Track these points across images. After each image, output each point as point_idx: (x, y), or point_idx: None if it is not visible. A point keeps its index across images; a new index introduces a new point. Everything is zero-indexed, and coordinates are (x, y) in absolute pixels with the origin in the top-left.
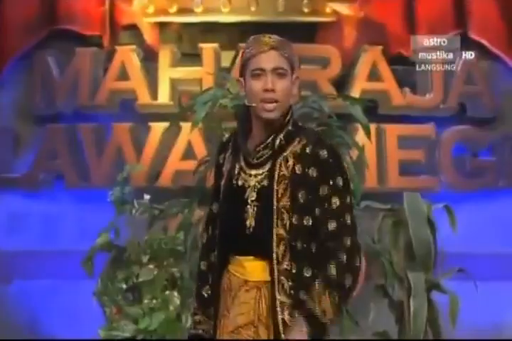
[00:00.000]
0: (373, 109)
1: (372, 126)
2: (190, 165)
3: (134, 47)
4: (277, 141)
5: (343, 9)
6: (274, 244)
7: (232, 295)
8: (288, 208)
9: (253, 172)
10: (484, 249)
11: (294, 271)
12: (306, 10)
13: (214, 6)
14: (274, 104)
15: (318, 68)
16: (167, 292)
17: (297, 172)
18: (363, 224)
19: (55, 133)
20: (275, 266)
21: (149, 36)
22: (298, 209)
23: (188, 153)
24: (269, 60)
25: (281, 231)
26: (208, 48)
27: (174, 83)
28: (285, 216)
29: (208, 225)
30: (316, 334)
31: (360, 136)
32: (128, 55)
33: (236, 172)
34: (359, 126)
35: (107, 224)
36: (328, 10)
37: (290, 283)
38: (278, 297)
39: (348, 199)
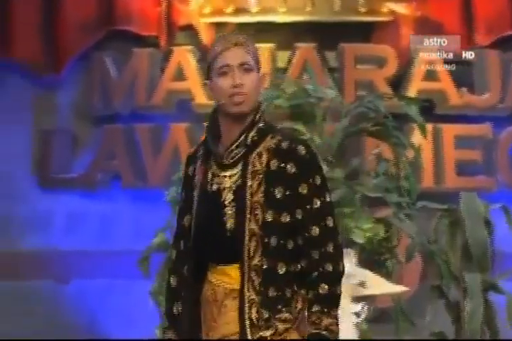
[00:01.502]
0: (430, 109)
1: (429, 126)
2: None
3: (190, 47)
4: (249, 138)
5: (400, 8)
6: (246, 239)
7: (218, 305)
8: (262, 204)
9: (227, 173)
10: None
11: (264, 267)
12: (362, 9)
13: (270, 6)
14: (243, 96)
15: (374, 68)
16: None
17: (272, 167)
18: (419, 224)
19: (112, 133)
20: (245, 262)
21: (205, 36)
22: (274, 205)
23: None
24: (234, 56)
25: (253, 227)
26: (263, 48)
27: None
28: (258, 211)
29: (179, 239)
30: None
31: (417, 136)
32: (184, 56)
33: (209, 179)
34: (415, 126)
35: (163, 223)
36: (384, 9)
37: (260, 280)
38: (247, 294)
39: (328, 198)
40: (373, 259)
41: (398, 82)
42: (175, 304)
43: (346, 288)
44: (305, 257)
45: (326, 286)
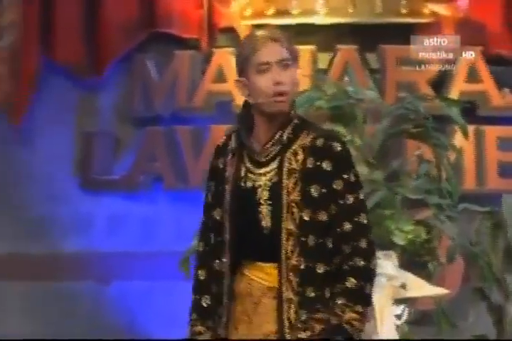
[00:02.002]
0: (472, 111)
1: (471, 128)
2: None
3: (231, 49)
4: (285, 136)
5: (442, 10)
6: (284, 238)
7: (253, 301)
8: (298, 202)
9: (262, 170)
10: None
11: (302, 267)
12: (403, 11)
13: (311, 7)
14: (286, 97)
15: (416, 69)
16: None
17: (309, 165)
18: (460, 226)
19: (153, 135)
20: (283, 262)
21: None
22: (311, 203)
23: None
24: (272, 52)
25: (291, 226)
26: (304, 50)
27: None
28: (295, 210)
29: (208, 232)
30: None
31: (459, 138)
32: (225, 58)
33: (242, 174)
34: (457, 127)
35: None
36: (426, 10)
37: (298, 280)
38: (285, 293)
39: (361, 196)
40: (414, 261)
41: (440, 84)
42: (203, 297)
43: (388, 290)
44: (337, 253)
45: (354, 280)
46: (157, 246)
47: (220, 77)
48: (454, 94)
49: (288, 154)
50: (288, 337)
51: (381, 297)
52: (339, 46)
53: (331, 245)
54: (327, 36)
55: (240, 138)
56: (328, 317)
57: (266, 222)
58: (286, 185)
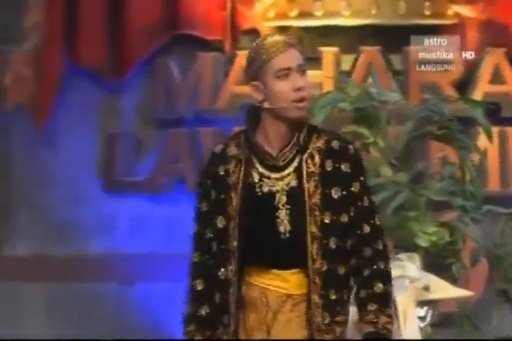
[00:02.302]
0: (496, 112)
1: (495, 129)
2: None
3: None
4: (301, 139)
5: (466, 11)
6: (309, 242)
7: (273, 311)
8: (319, 205)
9: (278, 175)
10: None
11: (324, 270)
12: (427, 12)
13: (334, 9)
14: (306, 102)
15: (439, 71)
16: None
17: (328, 168)
18: (484, 228)
19: (176, 137)
20: (310, 265)
21: None
22: (331, 206)
23: None
24: (292, 58)
25: (314, 229)
26: (327, 52)
27: None
28: (317, 213)
29: (205, 242)
30: None
31: (482, 140)
32: None
33: (256, 180)
34: (481, 129)
35: None
36: (449, 12)
37: (321, 283)
38: (313, 297)
39: (373, 197)
40: (438, 263)
41: (464, 85)
42: (202, 307)
43: (411, 292)
44: (356, 255)
45: (381, 285)
46: (180, 247)
47: (243, 79)
48: (477, 95)
49: (305, 157)
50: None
51: (404, 299)
52: (363, 48)
53: (348, 246)
54: (350, 38)
55: (247, 143)
56: (346, 320)
57: (284, 227)
58: (307, 188)
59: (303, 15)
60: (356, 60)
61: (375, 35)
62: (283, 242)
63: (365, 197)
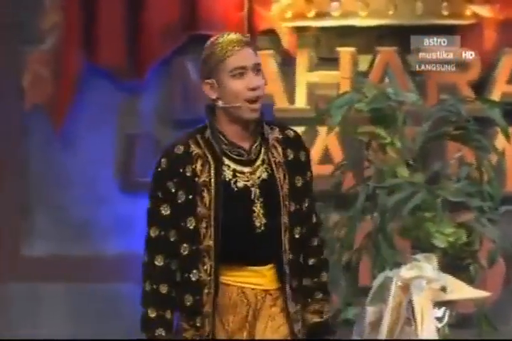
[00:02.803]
0: None
1: None
2: (326, 169)
3: (271, 51)
4: (265, 131)
5: (484, 11)
6: (282, 232)
7: (256, 308)
8: (288, 195)
9: (250, 169)
10: None
11: (291, 259)
12: (445, 13)
13: (352, 9)
14: (259, 104)
15: (457, 71)
16: None
17: (290, 157)
18: (502, 229)
19: None
20: (283, 257)
21: (286, 41)
22: (296, 194)
23: (325, 157)
24: (247, 57)
25: (286, 220)
26: (345, 52)
27: (311, 87)
28: (287, 203)
29: (169, 245)
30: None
31: (500, 140)
32: (265, 60)
33: (230, 176)
34: (498, 129)
35: None
36: (468, 12)
37: (289, 273)
38: (287, 289)
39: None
40: (455, 264)
41: (481, 85)
42: (167, 311)
43: (428, 293)
44: (305, 243)
45: (326, 274)
46: None
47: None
48: (495, 95)
49: (270, 149)
50: (295, 333)
51: (421, 299)
52: (379, 48)
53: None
54: (368, 38)
55: (212, 141)
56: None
57: (260, 221)
58: (278, 178)
59: (320, 15)
60: (373, 60)
61: (392, 36)
62: (258, 236)
63: (312, 185)
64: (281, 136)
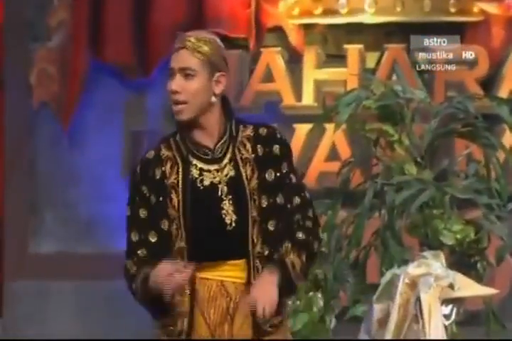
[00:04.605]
0: None
1: None
2: (334, 166)
3: (279, 49)
4: (233, 129)
5: (491, 8)
6: (250, 226)
7: (234, 300)
8: (257, 190)
9: (217, 166)
10: None
11: (265, 254)
12: (452, 9)
13: (359, 6)
14: (182, 106)
15: (465, 68)
16: (311, 293)
17: (259, 153)
18: (510, 226)
19: None
20: (251, 250)
21: (294, 38)
22: (267, 189)
23: (332, 155)
24: (179, 59)
25: (254, 214)
26: (352, 49)
27: (319, 84)
28: (256, 198)
29: (156, 246)
30: (284, 285)
31: (508, 137)
32: (273, 57)
33: (196, 175)
34: (506, 127)
35: None
36: (475, 9)
37: (262, 267)
38: (252, 281)
39: (299, 178)
40: (463, 261)
41: (489, 83)
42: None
43: (436, 290)
44: (289, 219)
45: (303, 235)
46: None
47: (268, 77)
48: (503, 93)
49: (237, 146)
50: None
51: (429, 297)
52: (387, 45)
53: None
54: (375, 35)
55: (178, 143)
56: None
57: (230, 217)
58: (244, 174)
59: (327, 12)
60: (381, 57)
61: (399, 33)
62: (230, 233)
63: (291, 175)
64: (252, 134)
